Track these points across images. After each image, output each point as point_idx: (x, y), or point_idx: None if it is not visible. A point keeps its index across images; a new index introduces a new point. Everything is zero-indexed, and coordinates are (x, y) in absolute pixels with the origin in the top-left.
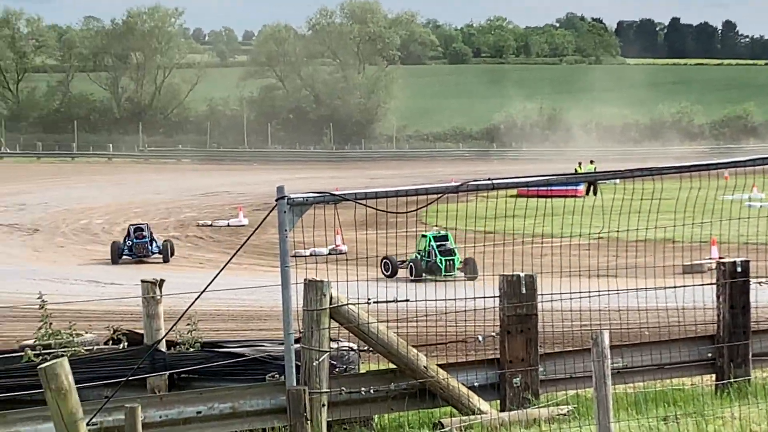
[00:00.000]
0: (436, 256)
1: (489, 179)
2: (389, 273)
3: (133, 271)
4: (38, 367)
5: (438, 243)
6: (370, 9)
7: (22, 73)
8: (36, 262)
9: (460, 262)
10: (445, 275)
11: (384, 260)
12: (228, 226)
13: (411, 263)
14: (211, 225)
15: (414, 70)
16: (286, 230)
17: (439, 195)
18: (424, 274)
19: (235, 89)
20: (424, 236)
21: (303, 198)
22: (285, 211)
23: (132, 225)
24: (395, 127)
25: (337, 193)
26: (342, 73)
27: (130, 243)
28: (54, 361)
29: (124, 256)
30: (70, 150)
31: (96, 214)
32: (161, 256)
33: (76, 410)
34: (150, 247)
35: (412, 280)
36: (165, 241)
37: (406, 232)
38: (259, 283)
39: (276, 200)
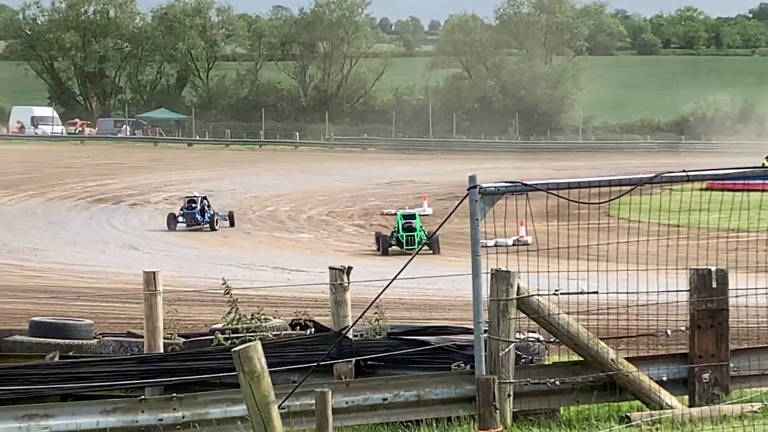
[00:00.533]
0: (399, 231)
1: (683, 170)
2: (379, 249)
3: (322, 258)
4: (232, 350)
5: (405, 221)
6: None
7: (212, 62)
8: (224, 247)
9: (422, 239)
10: (406, 249)
11: (376, 235)
12: None
13: (382, 238)
14: (395, 214)
15: (602, 61)
16: (477, 219)
17: (633, 186)
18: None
19: (420, 79)
20: (396, 215)
21: (494, 187)
22: (476, 200)
23: (186, 197)
24: (582, 118)
25: (529, 183)
26: (528, 64)
27: (182, 212)
28: (248, 344)
29: (178, 225)
30: (258, 138)
31: (282, 201)
32: (218, 224)
33: (268, 393)
34: (199, 218)
35: (381, 254)
36: (214, 213)
37: (598, 223)
38: (442, 272)
39: (468, 189)
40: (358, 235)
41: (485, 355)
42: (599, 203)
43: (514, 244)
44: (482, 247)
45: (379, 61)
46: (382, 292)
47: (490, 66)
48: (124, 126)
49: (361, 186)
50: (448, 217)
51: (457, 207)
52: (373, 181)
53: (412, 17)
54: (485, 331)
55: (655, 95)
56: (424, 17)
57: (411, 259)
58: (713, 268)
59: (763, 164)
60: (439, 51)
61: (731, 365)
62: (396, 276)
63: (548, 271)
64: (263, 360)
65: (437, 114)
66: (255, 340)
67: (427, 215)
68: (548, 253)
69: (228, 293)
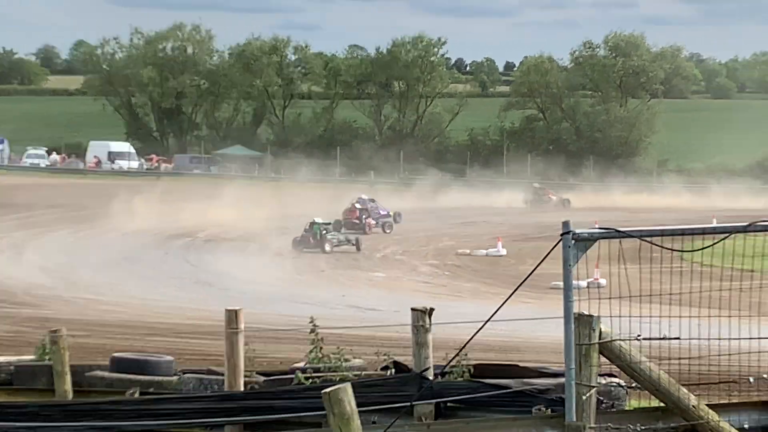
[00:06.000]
0: None
1: None
2: None
3: (391, 296)
4: (322, 391)
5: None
6: (634, 42)
7: (289, 100)
8: (299, 285)
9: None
10: None
11: None
12: (486, 255)
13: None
14: (469, 254)
15: (676, 105)
16: (569, 265)
17: (726, 234)
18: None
19: (495, 119)
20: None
21: (588, 234)
22: (570, 246)
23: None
24: (656, 162)
25: (622, 229)
26: (604, 106)
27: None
28: (338, 386)
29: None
30: (332, 176)
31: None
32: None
33: None
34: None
35: None
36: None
37: (670, 267)
38: (516, 313)
39: (561, 235)
40: (432, 275)
41: (563, 399)
42: (693, 251)
43: (588, 287)
44: (556, 288)
45: (454, 101)
46: (476, 333)
47: (565, 108)
48: (199, 162)
49: (435, 225)
50: (540, 263)
51: (549, 253)
52: (447, 220)
53: (487, 58)
54: (561, 374)
55: (729, 139)
56: (499, 58)
57: (505, 302)
58: None
59: None
60: (514, 92)
61: None
62: (489, 318)
63: (630, 316)
64: (353, 402)
65: (511, 155)
66: (336, 379)
67: (501, 256)
68: (630, 297)
69: (314, 332)
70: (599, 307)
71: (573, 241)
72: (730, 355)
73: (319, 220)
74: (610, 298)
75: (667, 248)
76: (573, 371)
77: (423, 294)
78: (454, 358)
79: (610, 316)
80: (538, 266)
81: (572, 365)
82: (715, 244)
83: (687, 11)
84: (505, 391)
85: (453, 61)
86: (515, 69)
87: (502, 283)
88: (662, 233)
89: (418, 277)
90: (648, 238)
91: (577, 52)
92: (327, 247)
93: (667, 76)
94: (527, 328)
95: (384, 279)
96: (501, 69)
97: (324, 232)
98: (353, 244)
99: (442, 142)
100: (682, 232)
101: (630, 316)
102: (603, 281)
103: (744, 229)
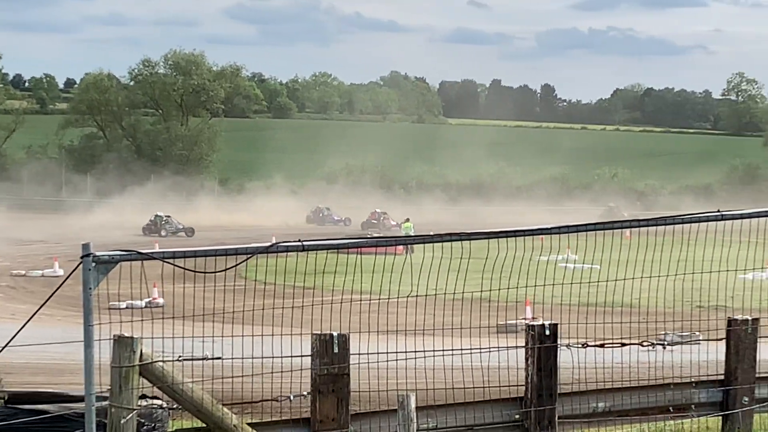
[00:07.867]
0: None
1: (299, 240)
2: None
3: None
4: None
5: None
6: (194, 61)
7: None
8: None
9: None
10: None
11: None
12: (42, 276)
13: None
14: (25, 275)
15: (238, 123)
16: (90, 288)
17: (249, 255)
18: None
19: (54, 137)
20: None
21: (109, 256)
22: (90, 269)
23: None
24: (217, 180)
25: (145, 251)
26: (165, 124)
27: None
28: None
29: None
30: None
31: None
32: None
33: None
34: None
35: None
36: None
37: (227, 285)
38: (73, 335)
39: (81, 257)
40: None
41: (105, 423)
42: (215, 272)
43: (146, 306)
44: (114, 309)
45: (10, 117)
46: None
47: (125, 126)
48: None
49: None
50: (59, 287)
51: (69, 275)
52: (2, 241)
53: (47, 74)
54: (106, 398)
55: (289, 158)
56: (59, 74)
57: (25, 324)
58: (335, 333)
59: (402, 225)
60: (74, 109)
61: (352, 429)
62: (8, 343)
63: (182, 337)
64: None
65: (71, 173)
66: None
67: (58, 276)
68: (183, 316)
69: None
70: (152, 327)
71: (94, 264)
72: (282, 372)
73: (160, 213)
74: (152, 319)
75: (189, 269)
76: (93, 397)
77: None
78: None
79: (162, 337)
80: (56, 290)
81: (92, 391)
82: (237, 265)
83: (248, 31)
84: (43, 416)
85: (11, 77)
86: (76, 86)
87: (57, 304)
88: (184, 255)
89: None
90: (171, 260)
91: (136, 70)
92: (162, 233)
93: (228, 95)
94: (82, 350)
95: None
96: (61, 86)
97: (163, 222)
98: (185, 230)
99: None
100: (205, 254)
101: (183, 337)
102: (161, 301)
103: (266, 250)
